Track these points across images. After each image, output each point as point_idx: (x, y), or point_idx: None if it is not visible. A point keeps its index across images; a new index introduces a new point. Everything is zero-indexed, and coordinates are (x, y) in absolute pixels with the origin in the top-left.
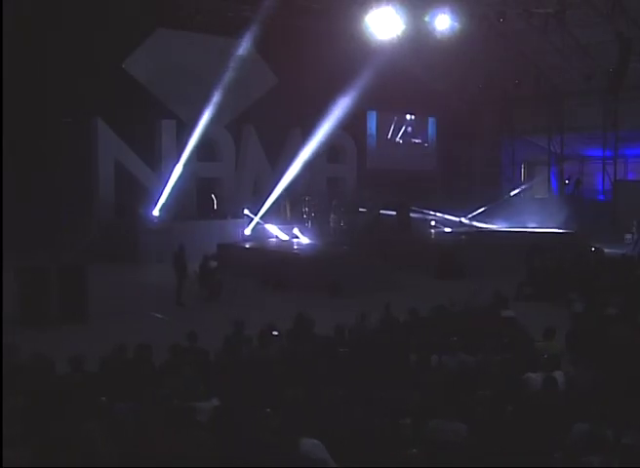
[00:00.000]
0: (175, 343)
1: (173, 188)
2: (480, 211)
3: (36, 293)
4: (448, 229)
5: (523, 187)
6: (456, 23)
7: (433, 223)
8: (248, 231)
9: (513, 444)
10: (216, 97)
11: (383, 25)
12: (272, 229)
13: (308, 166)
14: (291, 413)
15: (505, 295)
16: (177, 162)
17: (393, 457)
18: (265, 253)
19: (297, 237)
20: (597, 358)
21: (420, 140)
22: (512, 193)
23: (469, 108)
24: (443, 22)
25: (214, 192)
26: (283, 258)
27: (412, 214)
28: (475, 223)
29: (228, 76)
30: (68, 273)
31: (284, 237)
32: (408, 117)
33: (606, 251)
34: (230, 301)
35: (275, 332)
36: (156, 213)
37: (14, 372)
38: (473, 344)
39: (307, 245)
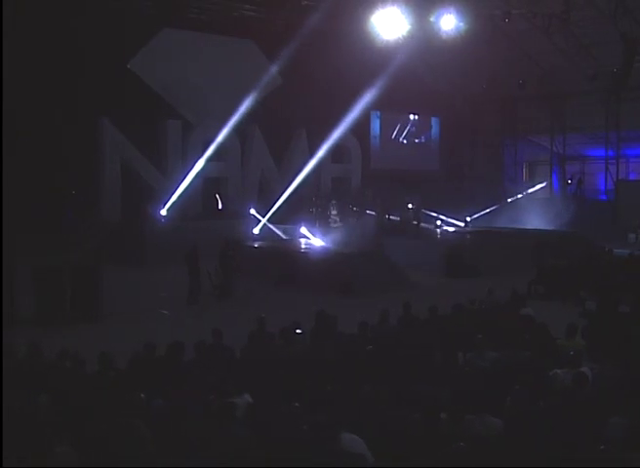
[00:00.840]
0: (199, 341)
1: (180, 188)
2: (485, 212)
3: (51, 293)
4: (452, 229)
5: (529, 191)
6: (461, 24)
7: (439, 223)
8: (256, 230)
9: (550, 438)
10: (221, 97)
11: (389, 26)
12: (278, 229)
13: (314, 166)
14: (328, 409)
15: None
16: (182, 162)
17: (439, 451)
18: (276, 252)
19: (305, 237)
20: (617, 355)
21: (423, 140)
22: (519, 196)
23: (472, 108)
24: (448, 23)
25: (218, 192)
26: (294, 258)
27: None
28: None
29: (233, 76)
30: (82, 273)
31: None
32: (411, 117)
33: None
34: (243, 300)
35: (299, 331)
36: (164, 212)
37: (40, 371)
38: (497, 341)
39: (319, 244)
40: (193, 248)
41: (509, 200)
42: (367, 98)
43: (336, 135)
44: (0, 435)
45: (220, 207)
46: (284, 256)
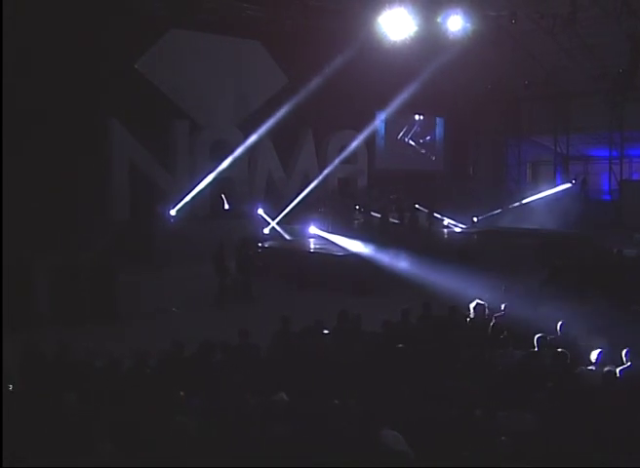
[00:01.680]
0: (225, 341)
1: (188, 188)
2: (493, 213)
3: (69, 293)
4: (459, 229)
5: (537, 196)
6: (468, 25)
7: (446, 222)
8: (267, 230)
9: (585, 435)
10: (228, 98)
11: (396, 26)
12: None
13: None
14: (367, 406)
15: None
16: (190, 162)
17: (482, 446)
18: (289, 252)
19: (314, 236)
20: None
21: (428, 141)
22: (526, 200)
23: (476, 109)
24: (455, 24)
25: (223, 192)
26: (307, 258)
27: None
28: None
29: (240, 76)
30: (99, 272)
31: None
32: (417, 118)
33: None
34: (261, 300)
35: (326, 331)
36: (173, 212)
37: (72, 371)
38: (521, 339)
39: (330, 244)
40: (220, 246)
41: (526, 201)
42: (372, 98)
43: (342, 135)
44: (0, 435)
45: (226, 207)
46: (297, 256)
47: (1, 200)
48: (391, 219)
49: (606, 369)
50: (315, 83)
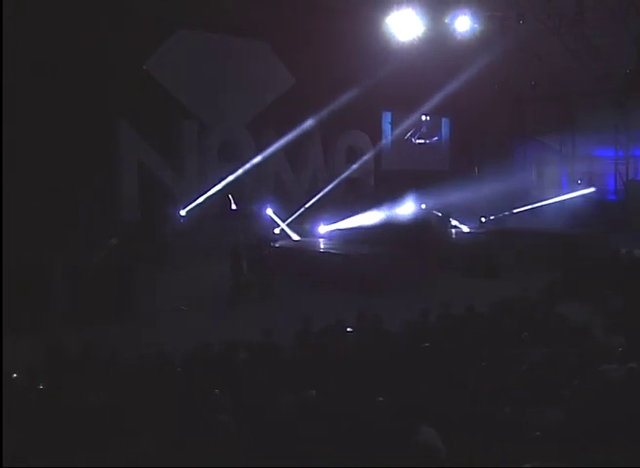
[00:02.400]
0: (248, 340)
1: (197, 189)
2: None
3: (86, 292)
4: (467, 229)
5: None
6: (476, 25)
7: (454, 223)
8: (277, 231)
9: (614, 430)
10: (235, 98)
11: (404, 27)
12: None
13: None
14: (402, 403)
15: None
16: (199, 162)
17: (515, 442)
18: (300, 252)
19: (323, 236)
20: None
21: (434, 141)
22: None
23: (482, 109)
24: (463, 24)
25: (230, 192)
26: (318, 257)
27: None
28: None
29: (247, 76)
30: (115, 272)
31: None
32: (423, 118)
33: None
34: (274, 300)
35: (349, 329)
36: (183, 213)
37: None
38: (541, 338)
39: (341, 244)
40: (234, 246)
41: (539, 204)
42: (379, 99)
43: (349, 135)
44: (0, 435)
45: (233, 207)
46: (307, 256)
47: (1, 200)
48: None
49: (629, 365)
50: (322, 83)
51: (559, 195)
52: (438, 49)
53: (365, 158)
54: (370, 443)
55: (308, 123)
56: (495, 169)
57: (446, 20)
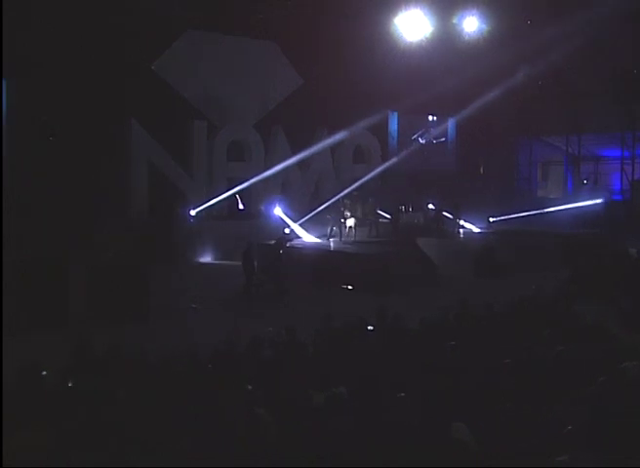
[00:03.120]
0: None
1: (207, 189)
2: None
3: (104, 292)
4: (476, 229)
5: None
6: (484, 25)
7: (462, 223)
8: (287, 231)
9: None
10: (244, 98)
11: (412, 27)
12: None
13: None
14: (433, 399)
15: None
16: (208, 162)
17: (545, 437)
18: (311, 251)
19: (333, 236)
20: None
21: (440, 141)
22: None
23: (488, 109)
24: (471, 24)
25: (237, 192)
26: (328, 257)
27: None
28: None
29: (255, 77)
30: (129, 271)
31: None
32: (430, 118)
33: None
34: (289, 298)
35: (370, 327)
36: (193, 213)
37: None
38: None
39: (351, 244)
40: (249, 245)
41: (551, 210)
42: (386, 99)
43: (356, 135)
44: (0, 435)
45: (240, 207)
46: (319, 256)
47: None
48: (403, 220)
49: None
50: (330, 84)
51: (565, 203)
52: (445, 49)
53: (373, 158)
54: (402, 438)
55: (316, 123)
56: (500, 169)
57: (454, 21)
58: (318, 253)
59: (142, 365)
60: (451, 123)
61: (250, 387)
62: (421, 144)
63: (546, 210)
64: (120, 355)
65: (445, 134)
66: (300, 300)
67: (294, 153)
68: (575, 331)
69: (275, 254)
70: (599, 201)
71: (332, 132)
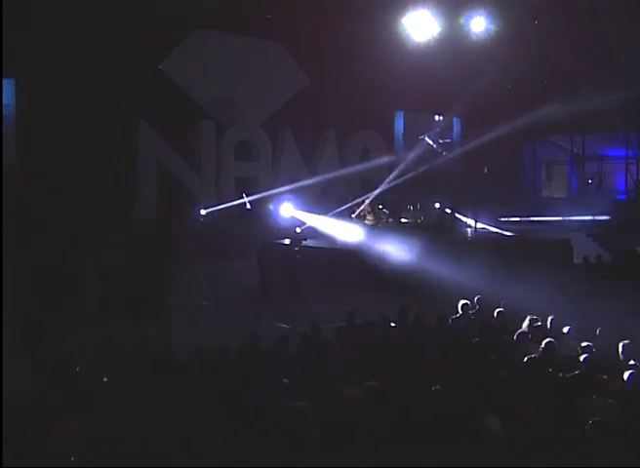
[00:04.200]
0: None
1: (215, 188)
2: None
3: (120, 289)
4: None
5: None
6: (491, 26)
7: (471, 222)
8: (298, 230)
9: None
10: (250, 98)
11: (419, 28)
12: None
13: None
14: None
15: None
16: (216, 162)
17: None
18: (319, 250)
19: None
20: None
21: (447, 141)
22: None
23: (493, 108)
24: (478, 25)
25: (244, 192)
26: (336, 256)
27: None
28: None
29: (262, 76)
30: (146, 270)
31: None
32: (436, 118)
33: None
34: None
35: (392, 324)
36: (203, 212)
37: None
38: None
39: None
40: (263, 245)
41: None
42: (392, 98)
43: (363, 135)
44: (0, 434)
45: (248, 207)
46: (328, 255)
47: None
48: (404, 219)
49: None
50: (337, 83)
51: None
52: (452, 49)
53: (378, 157)
54: (435, 429)
55: (323, 122)
56: (505, 169)
57: (461, 21)
58: (330, 253)
59: (168, 361)
60: (456, 123)
61: (285, 380)
62: (428, 144)
63: (554, 218)
64: (148, 351)
65: (450, 133)
66: (315, 299)
67: (301, 152)
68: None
69: (290, 254)
70: (607, 217)
71: (338, 131)
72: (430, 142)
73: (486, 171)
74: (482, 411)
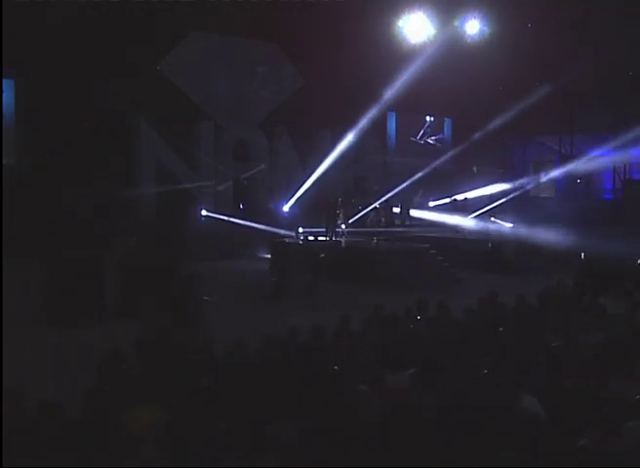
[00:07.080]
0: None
1: (215, 188)
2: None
3: (132, 289)
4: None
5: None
6: (485, 28)
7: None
8: (300, 229)
9: None
10: (247, 98)
11: (415, 30)
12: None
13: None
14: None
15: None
16: (215, 162)
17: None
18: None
19: (344, 234)
20: None
21: (437, 141)
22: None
23: (483, 109)
24: (473, 27)
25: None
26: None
27: None
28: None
29: (258, 77)
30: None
31: None
32: (428, 119)
33: None
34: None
35: (418, 317)
36: (204, 212)
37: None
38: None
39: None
40: (276, 243)
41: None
42: (386, 99)
43: (357, 135)
44: (0, 435)
45: (240, 207)
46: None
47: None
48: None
49: None
50: (331, 84)
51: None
52: (444, 51)
53: (371, 157)
54: (477, 411)
55: (318, 123)
56: (493, 168)
57: (456, 24)
58: (335, 250)
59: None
60: (447, 123)
61: (335, 367)
62: (419, 144)
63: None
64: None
65: (440, 133)
66: (329, 295)
67: (297, 152)
68: (606, 319)
69: (313, 252)
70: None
71: (333, 132)
72: (421, 142)
73: (475, 170)
74: (520, 393)
